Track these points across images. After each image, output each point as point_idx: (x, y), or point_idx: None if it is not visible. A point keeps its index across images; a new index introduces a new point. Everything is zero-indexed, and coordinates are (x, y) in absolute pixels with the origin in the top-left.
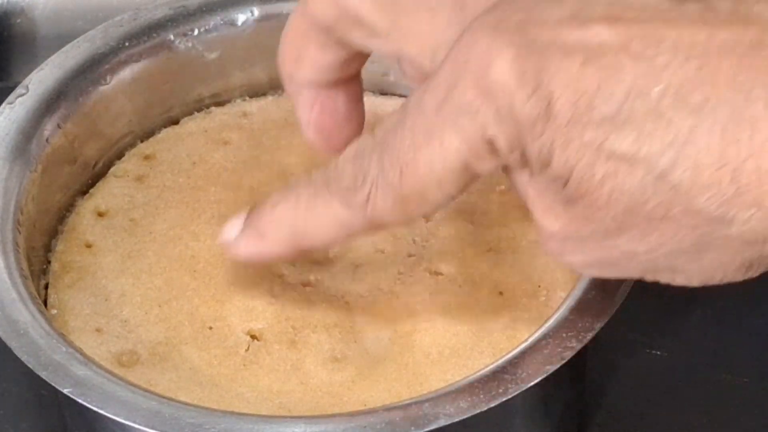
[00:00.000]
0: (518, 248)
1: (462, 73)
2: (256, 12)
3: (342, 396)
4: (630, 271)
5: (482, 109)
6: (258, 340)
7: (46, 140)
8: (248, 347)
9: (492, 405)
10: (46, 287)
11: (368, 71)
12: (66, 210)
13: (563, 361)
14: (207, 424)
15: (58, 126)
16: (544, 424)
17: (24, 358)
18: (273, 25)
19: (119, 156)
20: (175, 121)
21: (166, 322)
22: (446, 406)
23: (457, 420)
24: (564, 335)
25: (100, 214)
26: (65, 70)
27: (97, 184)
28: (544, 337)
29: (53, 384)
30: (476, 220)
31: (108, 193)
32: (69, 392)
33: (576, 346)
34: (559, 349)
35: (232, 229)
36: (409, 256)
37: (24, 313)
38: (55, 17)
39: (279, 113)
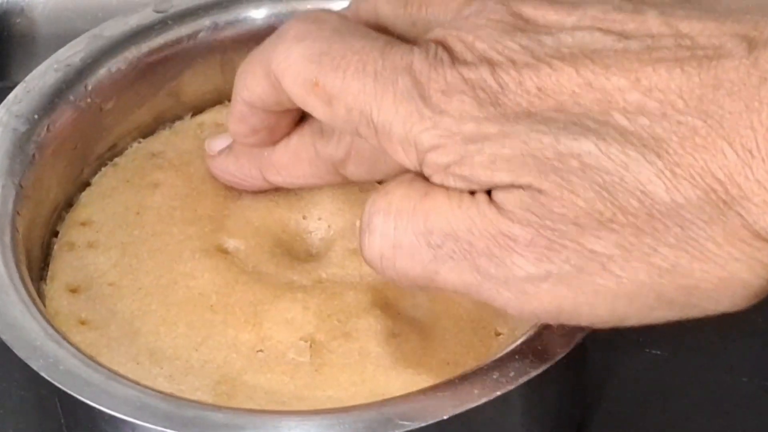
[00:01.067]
0: None
1: None
2: (142, 50)
3: (422, 364)
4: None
5: None
6: (314, 343)
7: (16, 229)
8: (310, 353)
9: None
10: None
11: None
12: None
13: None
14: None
15: (18, 213)
16: (542, 422)
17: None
18: (153, 61)
19: (54, 233)
20: (87, 183)
21: (213, 361)
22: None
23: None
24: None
25: (74, 291)
26: None
27: (52, 264)
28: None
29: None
30: None
31: (69, 268)
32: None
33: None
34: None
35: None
36: None
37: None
38: (55, 17)
39: (187, 143)
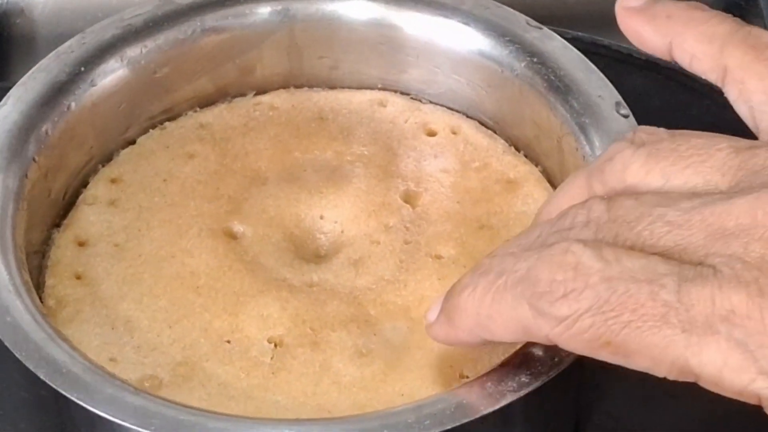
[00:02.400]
0: (508, 221)
1: None
2: (204, 24)
3: (377, 390)
4: None
5: None
6: (280, 346)
7: (26, 176)
8: (273, 355)
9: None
10: None
11: (315, 66)
12: (44, 244)
13: None
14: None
15: (33, 160)
16: (539, 424)
17: (57, 383)
18: (219, 35)
19: (84, 184)
20: (132, 142)
21: (181, 341)
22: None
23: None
24: None
25: (81, 244)
26: (27, 104)
27: (70, 215)
28: None
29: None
30: (461, 198)
31: (84, 221)
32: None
33: None
34: None
35: (433, 311)
36: (406, 243)
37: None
38: (55, 17)
39: (236, 120)
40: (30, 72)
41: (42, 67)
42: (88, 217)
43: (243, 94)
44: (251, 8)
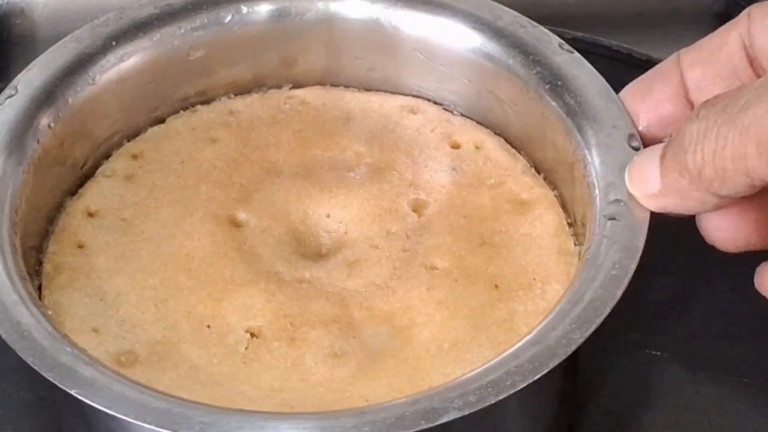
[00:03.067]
0: (511, 242)
1: None
2: (243, 10)
3: (344, 392)
4: None
5: None
6: (257, 337)
7: (37, 141)
8: (248, 345)
9: (501, 397)
10: (39, 288)
11: (352, 66)
12: (56, 211)
13: (567, 354)
14: (219, 422)
15: (49, 126)
16: (536, 421)
17: (30, 360)
18: (259, 23)
19: (106, 156)
20: (161, 120)
21: (164, 321)
22: (455, 400)
23: (466, 413)
24: (568, 327)
25: (91, 215)
26: (53, 71)
27: (86, 185)
28: (546, 329)
29: (61, 386)
30: (469, 213)
31: (98, 193)
32: (78, 393)
33: (579, 338)
34: (564, 341)
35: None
36: (404, 251)
37: (26, 314)
38: (55, 17)
39: (265, 111)
40: (62, 40)
41: (75, 37)
42: (103, 190)
43: (279, 86)
44: (286, 3)
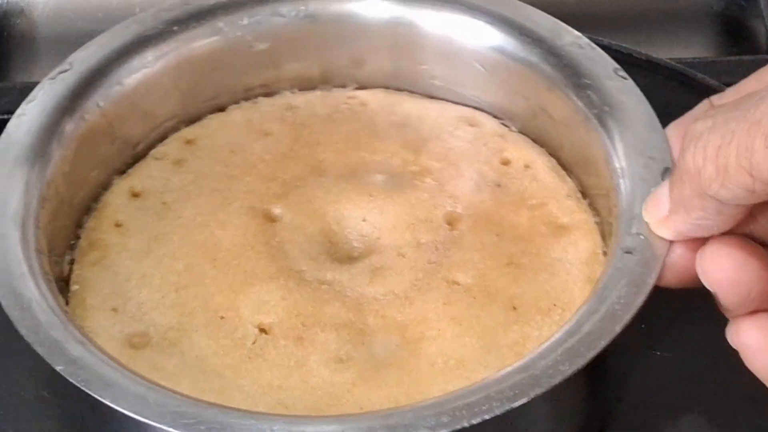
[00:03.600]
0: (540, 265)
1: None
2: (310, 7)
3: (341, 398)
4: None
5: None
6: (266, 333)
7: (83, 118)
8: (255, 340)
9: (474, 422)
10: (72, 263)
11: (415, 72)
12: (102, 187)
13: (551, 386)
14: (189, 414)
15: (97, 105)
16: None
17: (23, 332)
18: (325, 22)
19: (162, 139)
20: (222, 108)
21: (181, 307)
22: (428, 419)
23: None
24: (558, 358)
25: (135, 195)
26: (110, 50)
27: (136, 165)
28: (537, 357)
29: (48, 361)
30: (503, 232)
31: (145, 174)
32: (61, 370)
33: (567, 370)
34: (550, 371)
35: (656, 206)
36: (429, 263)
37: (32, 288)
38: (55, 17)
39: (324, 109)
40: (125, 21)
41: (137, 19)
42: (150, 172)
43: (344, 86)
44: (355, 2)
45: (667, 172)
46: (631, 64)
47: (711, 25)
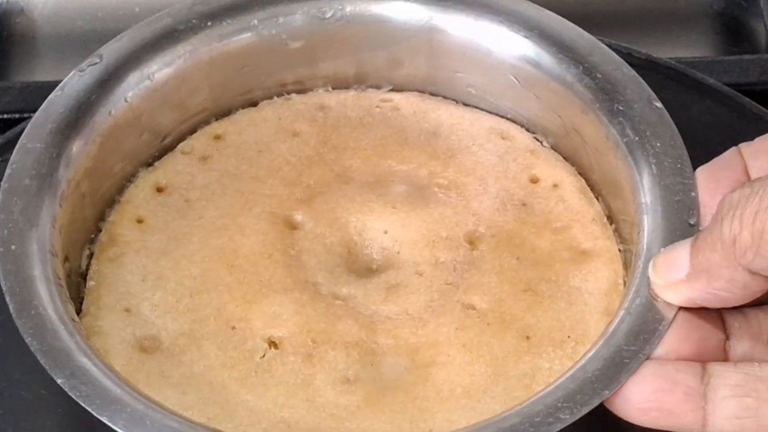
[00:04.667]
0: (557, 292)
1: None
2: (346, 8)
3: (344, 420)
4: None
5: None
6: (276, 348)
7: (110, 113)
8: (264, 354)
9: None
10: (91, 257)
11: (451, 79)
12: (127, 179)
13: None
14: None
15: (125, 99)
16: None
17: (27, 340)
18: (361, 23)
19: (192, 130)
20: (255, 103)
21: (194, 313)
22: None
23: None
24: (559, 405)
25: (159, 190)
26: (141, 43)
27: (163, 158)
28: (537, 402)
29: (50, 372)
30: (523, 255)
31: (171, 169)
32: (62, 383)
33: (566, 419)
34: (550, 419)
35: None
36: (446, 283)
37: (41, 293)
38: (55, 17)
39: (355, 111)
40: (158, 14)
41: (171, 12)
42: (177, 166)
43: (379, 87)
44: (395, 4)
45: (692, 214)
46: (631, 63)
47: (711, 25)
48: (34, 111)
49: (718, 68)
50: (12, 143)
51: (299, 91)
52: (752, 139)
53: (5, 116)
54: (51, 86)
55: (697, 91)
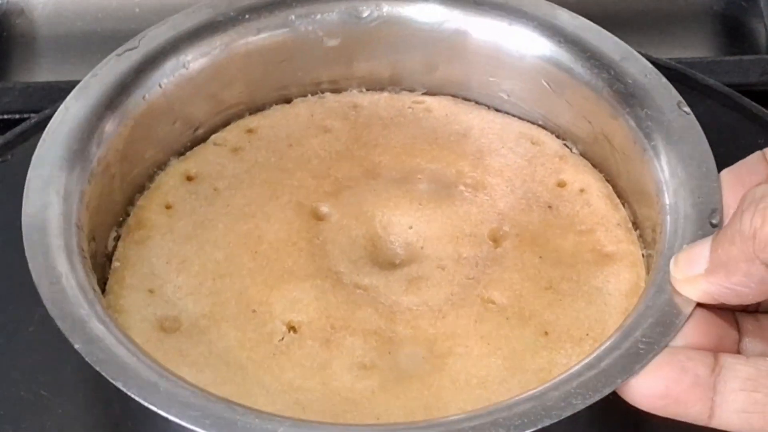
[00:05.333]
0: (578, 292)
1: None
2: (383, 8)
3: (359, 404)
4: None
5: None
6: (295, 332)
7: (143, 97)
8: (283, 337)
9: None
10: (117, 239)
11: (484, 85)
12: (158, 167)
13: (560, 418)
14: (196, 407)
15: (159, 85)
16: None
17: (48, 305)
18: (397, 24)
19: (225, 123)
20: (289, 100)
21: (215, 296)
22: None
23: None
24: (572, 390)
25: (189, 178)
26: (179, 32)
27: (195, 149)
28: (550, 387)
29: (68, 337)
30: (546, 254)
31: (202, 159)
32: (78, 348)
33: (578, 404)
34: (562, 404)
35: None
36: (468, 278)
37: (64, 263)
38: (55, 17)
39: (387, 111)
40: (197, 5)
41: (212, 3)
42: (208, 156)
43: (413, 90)
44: (431, 7)
45: (714, 214)
46: None
47: (711, 25)
48: (35, 111)
49: (718, 69)
50: (12, 143)
51: (333, 91)
52: (752, 139)
53: (5, 117)
54: (51, 87)
55: (697, 91)
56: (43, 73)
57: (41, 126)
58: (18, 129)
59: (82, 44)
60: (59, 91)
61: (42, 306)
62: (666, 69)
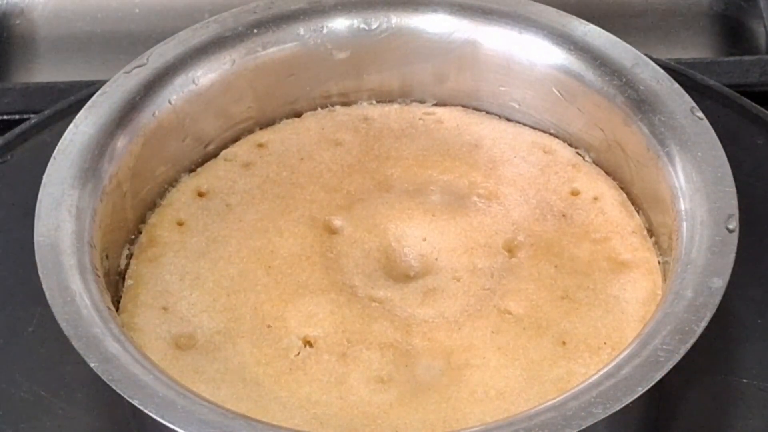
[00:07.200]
0: (595, 300)
1: None
2: (392, 20)
3: (377, 418)
4: None
5: None
6: (311, 346)
7: (153, 114)
8: (299, 352)
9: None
10: (130, 257)
11: (495, 94)
12: (169, 184)
13: (581, 428)
14: (215, 424)
15: (169, 102)
16: None
17: (63, 325)
18: (407, 35)
19: (235, 139)
20: (299, 114)
21: (230, 312)
22: None
23: None
24: (592, 400)
25: (200, 194)
26: (188, 48)
27: (206, 164)
28: (570, 397)
29: (84, 356)
30: (562, 264)
31: (213, 174)
32: (95, 367)
33: (599, 413)
34: (582, 414)
35: None
36: (484, 289)
37: (77, 282)
38: (55, 18)
39: (398, 123)
40: (206, 20)
41: (219, 18)
42: (218, 172)
43: (423, 101)
44: (440, 17)
45: (731, 219)
46: None
47: (711, 25)
48: (34, 112)
49: (718, 69)
50: (12, 144)
51: (343, 104)
52: (752, 139)
53: (5, 117)
54: (51, 87)
55: (697, 92)
56: (43, 73)
57: (41, 126)
58: (18, 129)
59: (82, 44)
60: (59, 92)
61: (42, 306)
62: (666, 69)
